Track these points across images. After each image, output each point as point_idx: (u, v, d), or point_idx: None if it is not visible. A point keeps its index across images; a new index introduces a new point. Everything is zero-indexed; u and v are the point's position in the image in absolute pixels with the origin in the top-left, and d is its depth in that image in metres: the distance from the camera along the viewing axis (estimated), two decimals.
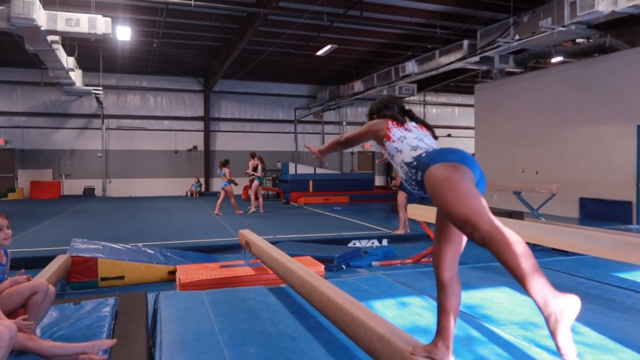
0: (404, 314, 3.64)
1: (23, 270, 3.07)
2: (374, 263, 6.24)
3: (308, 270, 3.45)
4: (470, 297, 4.08)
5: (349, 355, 2.88)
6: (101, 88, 16.46)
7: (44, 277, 3.80)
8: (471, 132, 17.77)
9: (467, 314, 3.63)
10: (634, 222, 9.91)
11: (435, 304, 3.92)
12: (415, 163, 2.04)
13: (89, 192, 19.33)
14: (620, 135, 10.27)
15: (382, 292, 4.22)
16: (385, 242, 7.83)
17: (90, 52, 15.25)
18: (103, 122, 19.54)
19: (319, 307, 2.93)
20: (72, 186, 19.36)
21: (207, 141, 20.72)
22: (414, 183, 2.07)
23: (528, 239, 4.50)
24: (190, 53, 16.77)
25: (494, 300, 3.99)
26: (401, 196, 8.26)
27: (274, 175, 19.75)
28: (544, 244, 4.63)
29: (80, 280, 5.07)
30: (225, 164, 12.13)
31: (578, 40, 12.51)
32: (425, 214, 5.92)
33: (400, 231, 8.22)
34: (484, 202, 1.74)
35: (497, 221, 1.64)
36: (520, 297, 4.09)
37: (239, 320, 3.47)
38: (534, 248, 7.20)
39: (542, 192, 8.01)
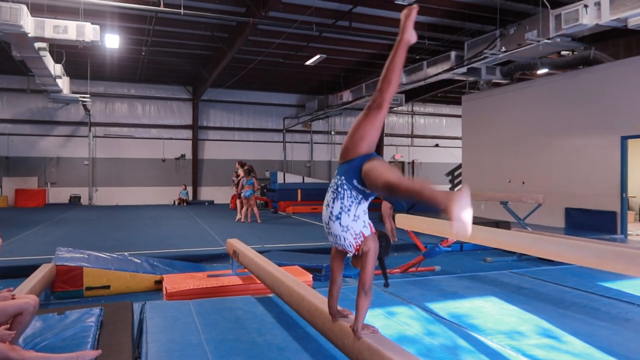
0: (391, 323, 3.65)
1: (12, 289, 3.03)
2: None
3: (296, 280, 3.44)
4: (458, 307, 4.10)
5: None
6: (89, 96, 16.32)
7: (28, 286, 3.74)
8: (459, 142, 17.90)
9: (455, 323, 3.64)
10: (619, 232, 10.04)
11: (423, 313, 3.93)
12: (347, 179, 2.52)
13: (75, 200, 19.09)
14: (604, 146, 10.43)
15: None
16: None
17: (78, 59, 15.15)
18: (90, 130, 19.37)
19: (307, 316, 2.93)
20: (58, 194, 19.13)
21: (195, 150, 20.64)
22: (358, 190, 2.47)
23: (515, 249, 4.53)
24: (179, 61, 16.74)
25: (481, 310, 4.01)
26: (385, 206, 8.28)
27: (262, 185, 19.72)
28: (530, 254, 4.67)
29: (64, 289, 5.00)
30: (249, 172, 12.09)
31: (563, 53, 12.71)
32: (414, 223, 5.94)
33: None
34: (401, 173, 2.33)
35: (411, 180, 2.21)
36: (507, 307, 4.11)
37: (226, 331, 3.45)
38: (521, 257, 7.27)
39: (528, 202, 8.10)
